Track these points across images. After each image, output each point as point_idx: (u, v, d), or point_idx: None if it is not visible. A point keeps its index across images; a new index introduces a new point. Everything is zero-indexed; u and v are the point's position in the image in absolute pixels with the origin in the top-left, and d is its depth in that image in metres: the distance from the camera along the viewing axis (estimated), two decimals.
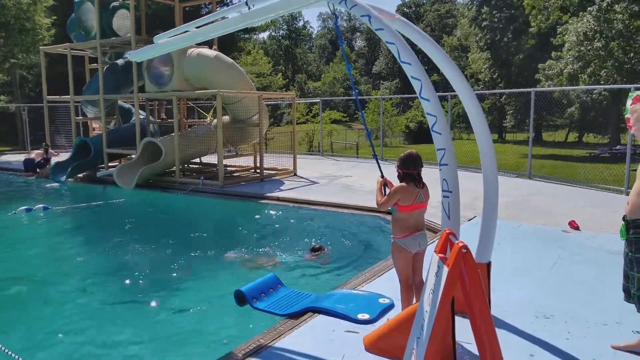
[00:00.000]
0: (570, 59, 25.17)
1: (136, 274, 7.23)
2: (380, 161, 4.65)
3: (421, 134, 38.87)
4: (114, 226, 10.15)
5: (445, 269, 2.98)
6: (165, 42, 6.01)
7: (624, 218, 3.69)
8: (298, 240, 8.52)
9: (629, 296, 3.75)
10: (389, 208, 4.24)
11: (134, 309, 5.85)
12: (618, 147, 24.16)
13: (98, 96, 15.19)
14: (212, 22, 5.68)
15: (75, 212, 11.43)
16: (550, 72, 27.12)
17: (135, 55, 6.76)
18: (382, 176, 4.36)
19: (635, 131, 3.68)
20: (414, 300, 4.32)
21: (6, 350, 4.39)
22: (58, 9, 29.18)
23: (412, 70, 3.75)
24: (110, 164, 15.51)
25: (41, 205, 11.21)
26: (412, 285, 4.31)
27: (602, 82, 23.56)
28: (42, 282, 6.88)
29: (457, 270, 2.97)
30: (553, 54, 27.54)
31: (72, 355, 4.75)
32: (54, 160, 16.43)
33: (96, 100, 15.55)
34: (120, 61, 16.05)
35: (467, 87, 4.56)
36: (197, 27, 5.74)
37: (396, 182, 4.27)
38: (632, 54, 23.60)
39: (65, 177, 14.73)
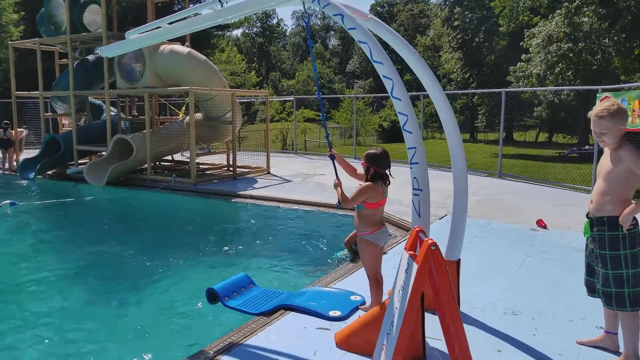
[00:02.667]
0: (538, 61, 25.60)
1: (105, 272, 7.12)
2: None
3: (394, 133, 39.11)
4: (83, 223, 10.00)
5: (415, 266, 3.01)
6: (136, 37, 5.94)
7: (587, 215, 3.79)
8: (274, 239, 8.52)
9: (591, 291, 3.86)
10: (358, 205, 4.28)
11: (102, 308, 5.77)
12: (586, 147, 24.66)
13: (68, 92, 14.95)
14: (185, 18, 5.64)
15: (44, 209, 11.24)
16: (520, 74, 27.54)
17: (107, 51, 6.67)
18: (337, 178, 4.42)
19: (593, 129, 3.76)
20: (385, 296, 4.38)
21: None
22: (27, 3, 28.53)
23: (384, 69, 3.79)
24: (80, 161, 15.28)
25: (8, 201, 11.02)
26: (381, 280, 4.37)
27: (570, 83, 24.01)
28: (6, 280, 6.74)
29: (427, 267, 3.01)
30: (523, 56, 27.98)
31: (36, 356, 4.67)
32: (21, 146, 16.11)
33: (66, 96, 15.30)
34: (91, 57, 15.81)
35: (438, 86, 4.62)
36: (169, 23, 5.70)
37: (348, 183, 4.33)
38: (598, 56, 24.10)
39: (34, 174, 14.47)
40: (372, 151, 4.34)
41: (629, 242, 3.56)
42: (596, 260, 3.73)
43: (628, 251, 3.56)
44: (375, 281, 4.36)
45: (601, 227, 3.64)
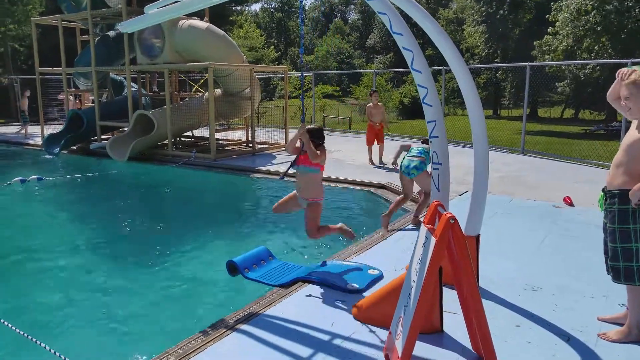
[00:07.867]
0: (565, 35, 24.97)
1: (129, 243, 7.26)
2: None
3: (415, 109, 38.66)
4: (107, 197, 10.17)
5: (433, 240, 2.99)
6: (155, 12, 5.92)
7: (603, 189, 3.71)
8: (293, 213, 8.53)
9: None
10: (314, 169, 4.97)
11: (128, 278, 5.88)
12: (614, 123, 24.09)
13: (90, 68, 15.05)
14: None
15: (69, 183, 11.42)
16: (546, 48, 26.90)
17: (126, 27, 6.66)
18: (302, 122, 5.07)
19: (621, 105, 3.66)
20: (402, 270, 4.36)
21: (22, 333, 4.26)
22: None
23: (404, 41, 3.73)
24: (103, 137, 15.44)
25: (35, 176, 11.22)
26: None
27: (597, 57, 23.43)
28: (38, 252, 6.87)
29: (445, 240, 2.98)
30: (550, 29, 27.27)
31: (70, 324, 4.79)
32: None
33: (88, 72, 15.41)
34: (111, 33, 15.85)
35: (460, 59, 4.52)
36: None
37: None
38: (628, 28, 23.42)
39: (58, 149, 14.70)
40: (313, 127, 5.08)
41: (639, 217, 3.49)
42: (606, 234, 3.67)
43: (638, 225, 3.48)
44: (321, 229, 5.06)
45: (612, 199, 3.57)
